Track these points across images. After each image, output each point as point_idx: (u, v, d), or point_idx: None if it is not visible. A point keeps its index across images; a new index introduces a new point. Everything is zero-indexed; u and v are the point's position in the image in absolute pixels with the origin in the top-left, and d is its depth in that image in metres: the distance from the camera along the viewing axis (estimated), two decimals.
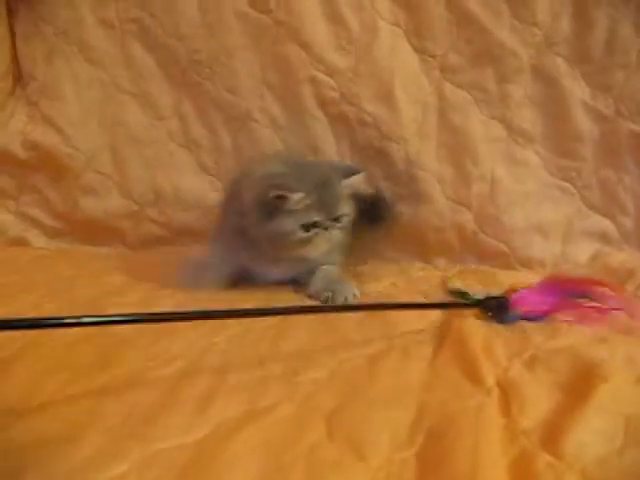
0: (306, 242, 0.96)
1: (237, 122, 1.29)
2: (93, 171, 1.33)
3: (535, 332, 0.79)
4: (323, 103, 1.23)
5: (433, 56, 1.20)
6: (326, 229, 0.97)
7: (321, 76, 1.22)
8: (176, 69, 1.30)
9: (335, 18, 1.21)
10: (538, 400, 0.59)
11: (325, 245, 0.98)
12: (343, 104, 1.22)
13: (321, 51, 1.22)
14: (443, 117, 1.21)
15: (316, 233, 0.96)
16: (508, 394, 0.60)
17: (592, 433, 0.52)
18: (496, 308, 0.85)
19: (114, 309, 0.88)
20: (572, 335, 0.78)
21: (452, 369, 0.67)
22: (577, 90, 1.17)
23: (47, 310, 0.88)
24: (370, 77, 1.21)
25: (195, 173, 1.32)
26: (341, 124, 1.24)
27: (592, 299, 0.85)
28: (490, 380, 0.63)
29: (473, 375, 0.65)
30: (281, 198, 0.92)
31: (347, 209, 1.00)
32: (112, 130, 1.33)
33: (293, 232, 0.94)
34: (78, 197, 1.34)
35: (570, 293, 0.86)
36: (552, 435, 0.52)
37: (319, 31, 1.22)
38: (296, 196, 0.92)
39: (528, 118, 1.19)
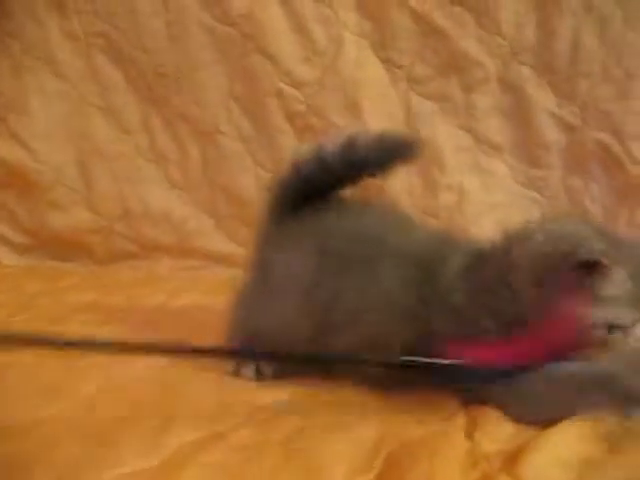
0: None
1: (205, 135, 1.28)
2: (61, 186, 1.32)
3: None
4: (290, 115, 1.23)
5: (399, 67, 1.21)
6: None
7: (287, 88, 1.22)
8: (143, 83, 1.29)
9: (301, 30, 1.21)
10: (503, 425, 0.57)
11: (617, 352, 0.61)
12: (310, 116, 1.22)
13: (287, 63, 1.22)
14: (410, 128, 1.21)
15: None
16: (474, 417, 0.59)
17: (551, 461, 0.51)
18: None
19: (77, 327, 0.87)
20: None
21: (414, 392, 0.66)
22: (543, 99, 1.17)
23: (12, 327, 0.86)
24: (336, 89, 1.21)
25: (163, 187, 1.31)
26: (308, 136, 1.23)
27: None
28: (454, 403, 0.62)
29: (436, 398, 0.64)
30: (594, 268, 0.56)
31: None
32: (79, 144, 1.32)
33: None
34: (46, 212, 1.33)
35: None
36: (513, 461, 0.50)
37: (285, 43, 1.22)
38: (618, 273, 0.57)
39: (495, 128, 1.20)
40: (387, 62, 1.21)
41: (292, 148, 1.23)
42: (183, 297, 1.07)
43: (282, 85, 1.22)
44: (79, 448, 0.53)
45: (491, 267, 0.63)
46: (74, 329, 0.88)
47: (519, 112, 1.19)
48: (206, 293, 1.08)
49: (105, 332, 0.86)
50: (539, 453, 0.51)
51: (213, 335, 0.82)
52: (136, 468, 0.50)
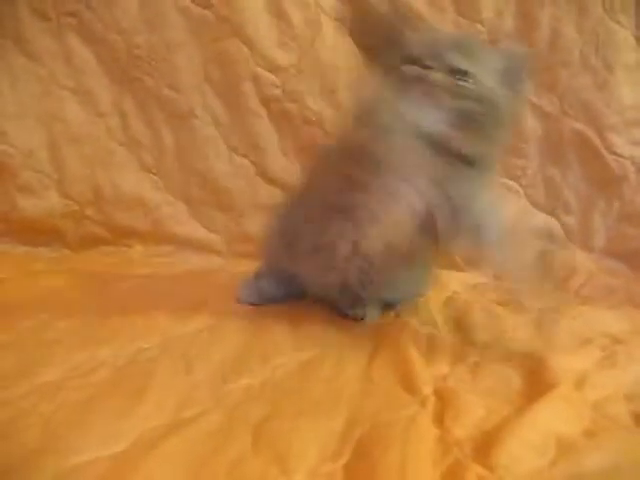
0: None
1: (178, 119, 1.26)
2: (31, 169, 1.29)
3: (481, 335, 0.78)
4: (266, 100, 1.21)
5: None
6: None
7: (263, 73, 1.20)
8: (116, 64, 1.26)
9: (278, 13, 1.19)
10: (474, 410, 0.57)
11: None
12: (286, 101, 1.20)
13: (263, 47, 1.20)
14: None
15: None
16: (444, 403, 0.58)
17: (524, 446, 0.51)
18: None
19: (48, 312, 0.86)
20: (519, 340, 0.77)
21: (387, 377, 0.66)
22: None
23: None
24: (313, 74, 1.19)
25: (136, 171, 1.28)
26: (284, 122, 1.21)
27: None
28: (426, 389, 0.62)
29: (409, 383, 0.63)
30: None
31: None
32: (50, 127, 1.29)
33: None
34: (16, 196, 1.29)
35: None
36: (485, 447, 0.50)
37: (261, 27, 1.20)
38: None
39: None
40: None
41: (267, 133, 1.22)
42: (155, 283, 1.05)
43: (258, 69, 1.20)
44: (38, 436, 0.52)
45: None
46: (43, 314, 0.85)
47: None
48: (179, 279, 1.07)
49: (74, 318, 0.84)
50: (512, 438, 0.51)
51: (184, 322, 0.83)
52: (97, 456, 0.49)
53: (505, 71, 0.71)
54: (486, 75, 0.69)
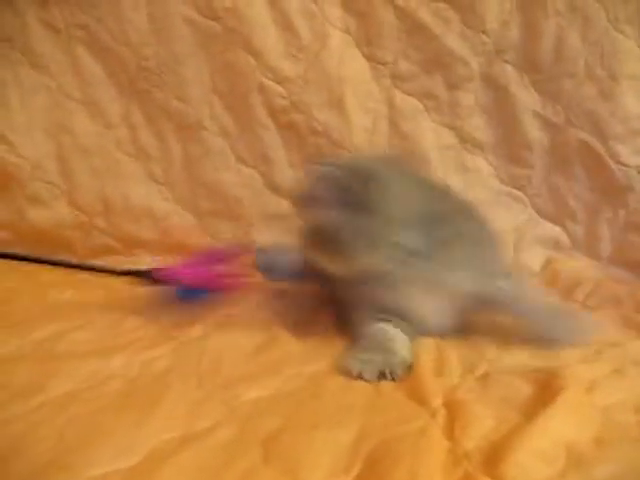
0: None
1: (187, 131, 1.27)
2: (39, 180, 1.30)
3: (489, 346, 0.78)
4: (273, 111, 1.22)
5: (383, 64, 1.20)
6: None
7: (271, 84, 1.21)
8: (124, 76, 1.27)
9: (285, 25, 1.20)
10: (484, 420, 0.57)
11: None
12: (293, 112, 1.21)
13: (271, 59, 1.21)
14: (394, 125, 1.21)
15: None
16: (454, 414, 0.58)
17: (533, 456, 0.51)
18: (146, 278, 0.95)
19: (58, 323, 0.86)
20: (528, 351, 0.77)
21: (397, 389, 0.66)
22: (527, 98, 1.17)
23: None
24: (320, 85, 1.20)
25: (144, 183, 1.29)
26: (291, 133, 1.22)
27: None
28: (436, 400, 0.62)
29: (418, 395, 0.63)
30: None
31: None
32: (59, 138, 1.30)
33: None
34: (25, 207, 1.30)
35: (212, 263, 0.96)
36: (494, 458, 0.50)
37: (269, 38, 1.21)
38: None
39: (478, 126, 1.19)
40: (371, 59, 1.20)
41: (275, 144, 1.23)
42: (164, 293, 1.05)
43: (265, 80, 1.21)
44: (50, 449, 0.52)
45: None
46: (51, 325, 0.86)
47: (503, 110, 1.18)
48: None
49: (84, 329, 0.85)
50: (521, 448, 0.51)
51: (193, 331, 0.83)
52: (110, 469, 0.50)
53: None
54: None
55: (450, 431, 0.56)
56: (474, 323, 0.87)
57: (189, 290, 0.92)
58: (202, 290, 0.93)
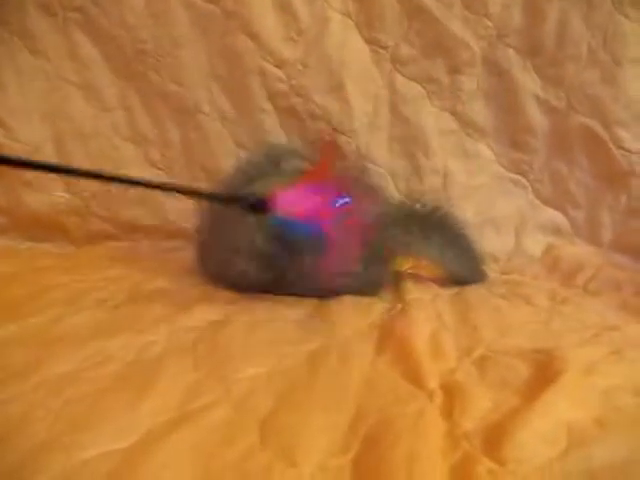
0: None
1: (185, 115, 1.25)
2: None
3: (485, 329, 0.78)
4: (272, 95, 1.21)
5: (384, 48, 1.19)
6: None
7: (270, 67, 1.20)
8: (121, 60, 1.26)
9: (285, 8, 1.19)
10: (482, 402, 0.57)
11: None
12: (292, 96, 1.20)
13: (270, 42, 1.19)
14: (394, 110, 1.20)
15: None
16: (452, 396, 0.58)
17: (535, 437, 0.50)
18: (255, 206, 0.83)
19: (55, 307, 0.85)
20: (526, 334, 0.77)
21: (394, 370, 0.65)
22: (529, 82, 1.16)
23: None
24: (320, 69, 1.19)
25: (142, 167, 1.28)
26: (290, 117, 1.21)
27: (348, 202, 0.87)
28: (433, 382, 0.61)
29: (415, 377, 0.62)
30: None
31: None
32: (56, 122, 1.28)
33: None
34: (21, 192, 1.29)
35: (329, 194, 0.87)
36: (494, 439, 0.50)
37: (268, 21, 1.19)
38: None
39: (480, 110, 1.19)
40: (372, 42, 1.19)
41: (274, 128, 1.22)
42: (162, 277, 1.04)
43: (264, 64, 1.20)
44: (47, 430, 0.51)
45: None
46: (49, 309, 0.85)
47: (504, 95, 1.17)
48: (186, 273, 1.06)
49: (81, 313, 0.84)
50: (522, 429, 0.51)
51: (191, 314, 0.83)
52: (107, 449, 0.49)
53: None
54: None
55: (448, 412, 0.55)
56: (473, 306, 0.87)
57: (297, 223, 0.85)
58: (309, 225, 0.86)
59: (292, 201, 0.84)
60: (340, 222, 0.86)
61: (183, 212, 1.26)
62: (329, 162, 0.90)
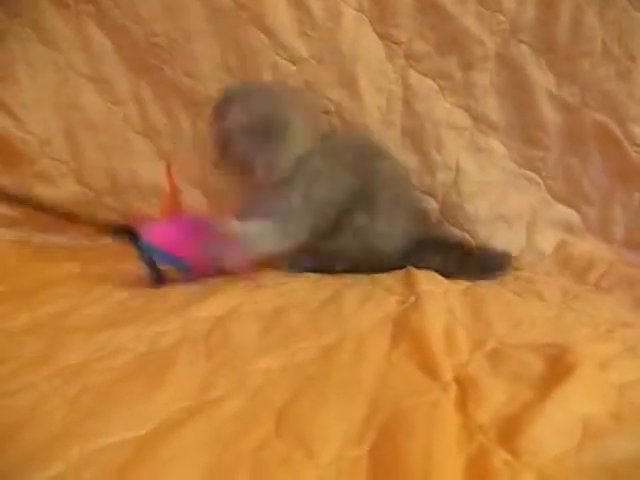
0: None
1: (196, 107, 1.26)
2: (48, 157, 1.29)
3: (497, 323, 0.77)
4: None
5: (398, 43, 1.18)
6: None
7: (283, 62, 1.20)
8: (134, 52, 1.26)
9: (298, 3, 1.18)
10: (496, 395, 0.56)
11: None
12: (305, 91, 1.19)
13: (283, 37, 1.19)
14: (407, 105, 1.19)
15: None
16: (466, 389, 0.57)
17: (550, 429, 0.50)
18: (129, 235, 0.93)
19: (68, 298, 0.87)
20: (538, 328, 0.76)
21: (408, 362, 0.65)
22: (542, 79, 1.15)
23: None
24: (333, 64, 1.19)
25: (153, 159, 1.28)
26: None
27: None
28: (447, 374, 0.60)
29: (430, 369, 0.62)
30: None
31: None
32: (67, 114, 1.29)
33: None
34: (33, 184, 1.30)
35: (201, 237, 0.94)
36: (510, 432, 0.49)
37: (282, 16, 1.19)
38: None
39: (493, 106, 1.18)
40: (385, 38, 1.18)
41: None
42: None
43: (277, 59, 1.20)
44: (62, 418, 0.52)
45: None
46: (62, 299, 0.86)
47: (518, 91, 1.17)
48: None
49: (94, 304, 0.85)
50: (537, 422, 0.50)
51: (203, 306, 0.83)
52: (122, 438, 0.49)
53: None
54: None
55: (462, 405, 0.55)
56: (485, 301, 0.86)
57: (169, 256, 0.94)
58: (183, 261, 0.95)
59: (163, 234, 0.94)
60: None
61: (193, 205, 1.25)
62: (173, 189, 1.01)
